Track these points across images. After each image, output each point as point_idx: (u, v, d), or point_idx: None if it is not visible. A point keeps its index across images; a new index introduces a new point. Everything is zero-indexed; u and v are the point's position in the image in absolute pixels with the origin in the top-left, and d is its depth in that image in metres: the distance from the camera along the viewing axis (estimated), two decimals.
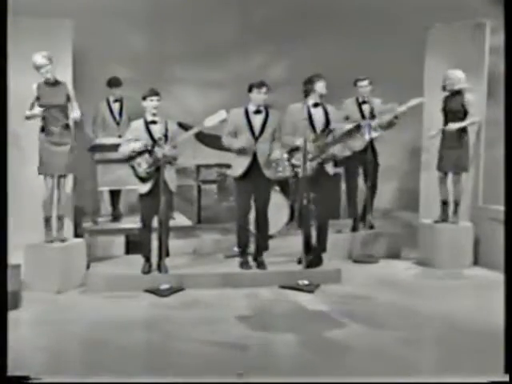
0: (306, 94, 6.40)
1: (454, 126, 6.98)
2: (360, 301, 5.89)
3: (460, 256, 7.13)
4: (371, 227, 7.68)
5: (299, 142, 6.21)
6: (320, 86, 6.31)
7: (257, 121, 6.26)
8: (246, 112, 6.26)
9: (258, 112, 6.26)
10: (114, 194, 7.80)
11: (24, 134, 6.32)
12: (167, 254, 6.22)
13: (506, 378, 3.85)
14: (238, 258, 6.49)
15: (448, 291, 6.25)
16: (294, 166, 6.36)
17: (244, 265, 6.43)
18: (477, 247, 7.26)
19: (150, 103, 6.08)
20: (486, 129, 7.55)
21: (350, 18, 8.26)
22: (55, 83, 6.13)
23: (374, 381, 4.05)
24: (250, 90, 6.23)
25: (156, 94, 6.09)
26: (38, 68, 6.02)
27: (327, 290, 6.13)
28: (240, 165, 6.27)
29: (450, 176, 7.16)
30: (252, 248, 6.53)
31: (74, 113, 6.13)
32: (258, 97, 6.21)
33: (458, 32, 7.52)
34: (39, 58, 6.00)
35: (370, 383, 4.05)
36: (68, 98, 6.15)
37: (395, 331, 5.06)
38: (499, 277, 5.94)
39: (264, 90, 6.18)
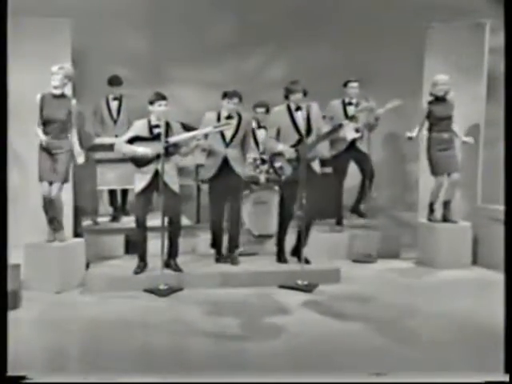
0: (287, 95, 6.43)
1: (469, 139, 7.08)
2: (359, 300, 5.89)
3: (459, 255, 7.15)
4: (362, 215, 7.79)
5: (280, 147, 6.38)
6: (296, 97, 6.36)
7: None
8: (218, 118, 6.44)
9: (229, 117, 6.43)
10: (113, 194, 7.80)
11: (23, 134, 6.29)
12: (176, 254, 6.33)
13: (506, 378, 3.86)
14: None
15: (447, 291, 6.26)
16: (275, 170, 6.52)
17: (221, 259, 6.65)
18: (475, 247, 7.27)
19: (159, 108, 6.05)
20: (485, 129, 7.57)
21: (349, 18, 8.26)
22: (60, 96, 6.12)
23: (374, 381, 4.06)
24: (223, 97, 6.43)
25: (164, 98, 6.07)
26: (51, 75, 6.05)
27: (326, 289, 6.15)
28: (210, 168, 6.49)
29: (446, 177, 7.18)
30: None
31: (79, 159, 6.18)
32: (229, 106, 6.41)
33: (457, 32, 7.52)
34: (55, 67, 6.03)
35: (370, 383, 4.05)
36: (70, 113, 6.12)
37: (395, 331, 5.07)
38: (498, 276, 5.97)
39: (235, 100, 6.39)
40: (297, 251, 6.56)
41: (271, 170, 6.73)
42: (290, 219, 6.62)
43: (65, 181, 6.17)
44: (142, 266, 6.28)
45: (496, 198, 6.83)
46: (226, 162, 6.45)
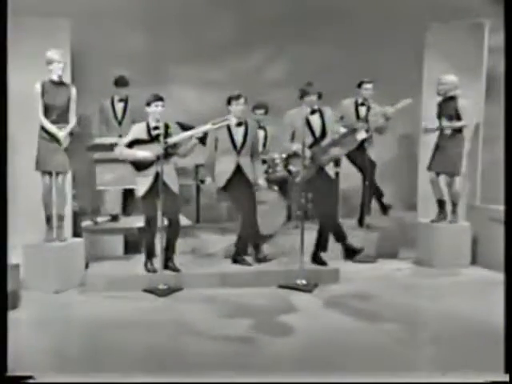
0: (302, 97, 6.39)
1: (449, 124, 7.01)
2: (358, 299, 5.89)
3: (458, 255, 7.14)
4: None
5: (295, 147, 6.36)
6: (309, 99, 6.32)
7: (239, 133, 6.45)
8: (229, 127, 6.39)
9: (239, 124, 6.44)
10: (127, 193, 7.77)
11: (22, 133, 6.30)
12: (173, 254, 6.33)
13: (506, 378, 3.86)
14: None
15: (446, 291, 6.26)
16: (290, 172, 6.53)
17: (244, 261, 6.59)
18: (474, 247, 7.27)
19: (156, 109, 6.08)
20: (484, 128, 7.57)
21: (349, 18, 8.25)
22: (60, 83, 6.13)
23: (373, 381, 4.06)
24: (228, 102, 6.41)
25: (161, 98, 6.10)
26: (50, 62, 6.04)
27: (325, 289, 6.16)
28: (223, 176, 6.46)
29: (443, 177, 7.17)
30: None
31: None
32: (237, 108, 6.38)
33: (456, 31, 7.54)
34: (54, 53, 6.04)
35: (370, 383, 4.05)
36: (69, 100, 6.15)
37: (395, 331, 5.06)
38: (497, 276, 5.98)
39: (242, 101, 6.38)
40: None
41: (279, 169, 6.85)
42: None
43: (67, 170, 6.18)
44: (151, 263, 6.28)
45: (496, 198, 6.83)
46: (239, 168, 6.46)
